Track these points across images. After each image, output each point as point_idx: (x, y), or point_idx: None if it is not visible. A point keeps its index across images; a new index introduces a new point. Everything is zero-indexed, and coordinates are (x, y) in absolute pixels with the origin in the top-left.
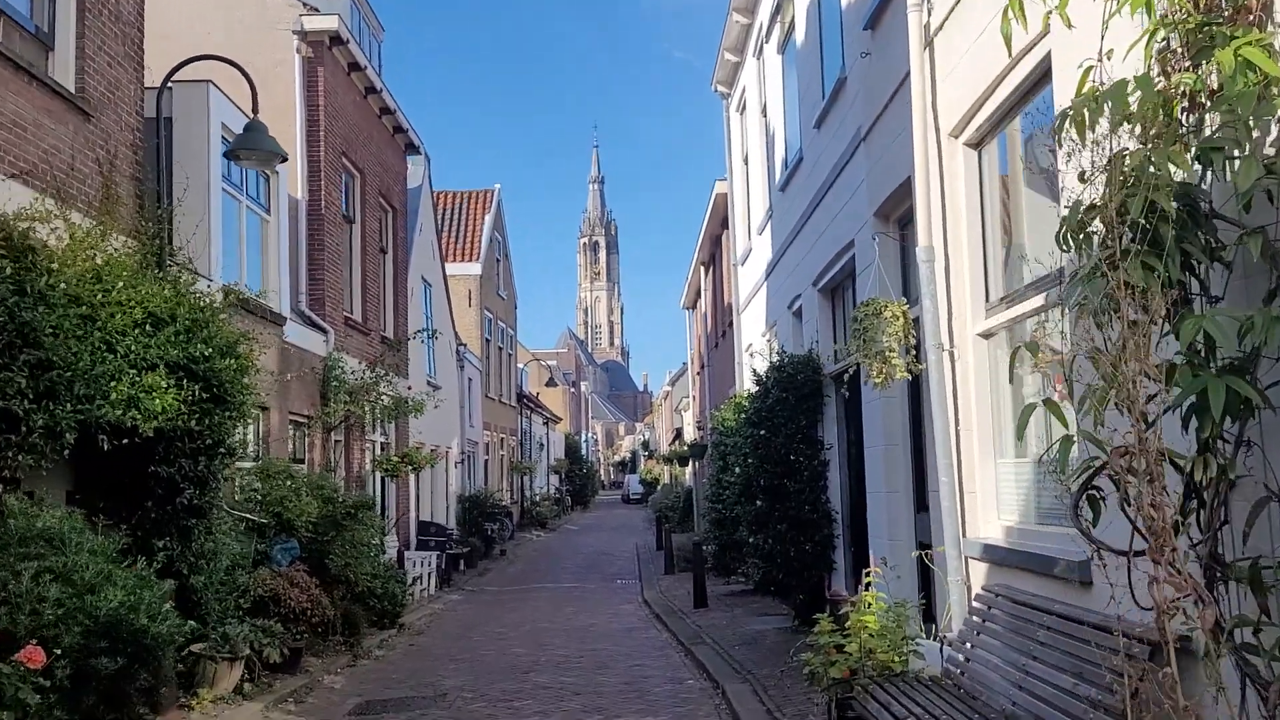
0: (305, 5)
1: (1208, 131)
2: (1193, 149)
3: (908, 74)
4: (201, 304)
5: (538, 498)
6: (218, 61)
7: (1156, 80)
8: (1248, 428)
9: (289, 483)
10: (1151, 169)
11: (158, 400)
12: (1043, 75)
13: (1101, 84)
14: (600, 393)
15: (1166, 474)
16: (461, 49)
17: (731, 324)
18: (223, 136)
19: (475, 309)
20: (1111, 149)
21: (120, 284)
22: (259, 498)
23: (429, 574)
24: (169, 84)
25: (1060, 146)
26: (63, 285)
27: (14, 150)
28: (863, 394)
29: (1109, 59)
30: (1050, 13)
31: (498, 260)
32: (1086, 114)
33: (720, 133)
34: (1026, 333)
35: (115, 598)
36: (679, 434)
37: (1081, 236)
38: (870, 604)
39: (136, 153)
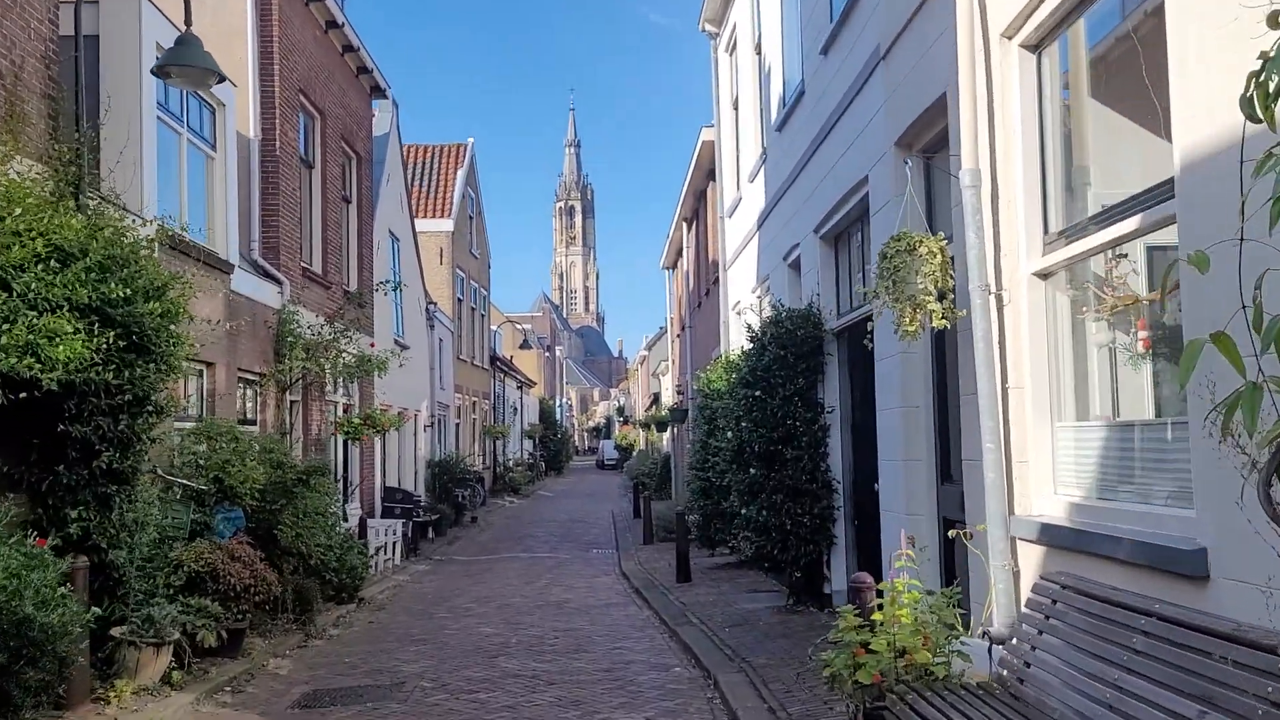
0: None
1: None
2: None
3: None
4: (120, 240)
5: (511, 463)
6: None
7: None
8: None
9: (233, 445)
10: None
11: (61, 347)
12: None
13: None
14: (575, 358)
15: None
16: (434, 9)
17: (717, 281)
18: (156, 57)
19: (447, 266)
20: None
21: (19, 211)
22: (199, 462)
23: (394, 543)
24: None
25: None
26: None
27: None
28: (876, 349)
29: None
30: None
31: (470, 217)
32: None
33: (707, 78)
34: (1090, 274)
35: None
36: (656, 399)
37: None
38: (901, 593)
39: (49, 67)
